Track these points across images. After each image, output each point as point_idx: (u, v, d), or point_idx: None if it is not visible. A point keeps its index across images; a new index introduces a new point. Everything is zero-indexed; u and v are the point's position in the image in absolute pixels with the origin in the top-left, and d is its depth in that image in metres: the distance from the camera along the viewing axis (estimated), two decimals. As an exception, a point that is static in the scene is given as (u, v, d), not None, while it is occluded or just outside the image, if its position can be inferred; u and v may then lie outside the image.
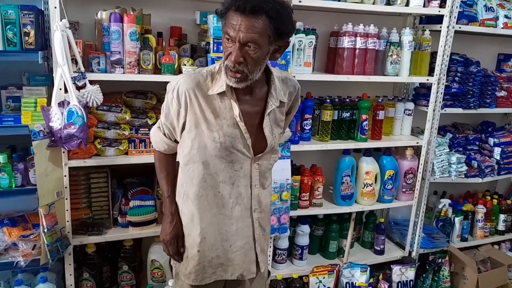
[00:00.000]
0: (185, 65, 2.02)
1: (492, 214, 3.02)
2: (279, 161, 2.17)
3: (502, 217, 3.03)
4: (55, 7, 1.72)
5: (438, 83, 2.51)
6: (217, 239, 1.46)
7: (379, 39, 2.36)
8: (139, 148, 2.03)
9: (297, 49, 2.19)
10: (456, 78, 2.64)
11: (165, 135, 1.49)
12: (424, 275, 2.67)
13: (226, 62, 1.30)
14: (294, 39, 2.16)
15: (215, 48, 2.03)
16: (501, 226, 3.05)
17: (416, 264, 2.64)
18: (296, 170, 2.37)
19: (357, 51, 2.31)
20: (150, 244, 2.22)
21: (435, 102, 2.54)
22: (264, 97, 1.44)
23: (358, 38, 2.29)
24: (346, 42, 2.28)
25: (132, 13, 1.98)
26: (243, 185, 1.45)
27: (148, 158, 2.05)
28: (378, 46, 2.36)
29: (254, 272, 1.54)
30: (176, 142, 1.49)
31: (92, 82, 1.86)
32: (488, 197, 3.07)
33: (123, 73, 1.91)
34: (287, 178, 2.23)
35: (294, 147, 2.29)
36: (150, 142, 2.02)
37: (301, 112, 2.34)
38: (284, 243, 2.44)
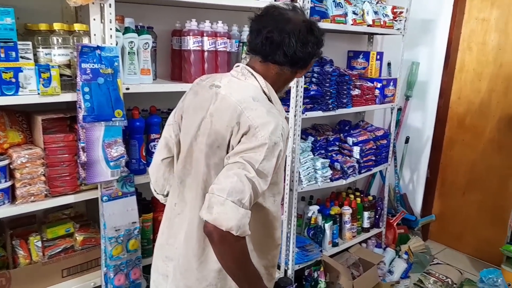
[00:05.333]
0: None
1: (357, 213, 3.00)
2: (120, 202, 1.67)
3: (366, 214, 3.04)
4: None
5: (297, 86, 2.29)
6: None
7: (230, 39, 2.01)
8: None
9: (129, 52, 1.68)
10: (314, 80, 2.47)
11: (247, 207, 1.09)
12: (304, 282, 2.47)
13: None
14: (122, 40, 1.65)
15: (2, 56, 1.40)
16: (366, 224, 3.05)
17: (294, 286, 2.41)
18: (145, 206, 1.87)
19: (205, 53, 1.92)
20: None
21: (295, 107, 2.32)
22: None
23: (206, 38, 1.90)
24: (191, 43, 1.87)
25: None
26: None
27: None
28: (229, 47, 2.00)
29: None
30: None
31: None
32: (352, 196, 3.05)
33: None
34: (133, 222, 1.71)
35: (139, 179, 1.79)
36: None
37: (146, 131, 1.86)
38: (139, 299, 1.93)
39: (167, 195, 1.43)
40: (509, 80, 3.08)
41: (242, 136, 1.13)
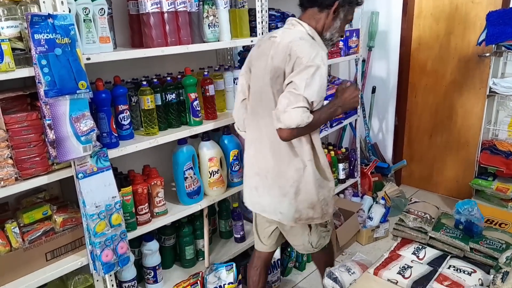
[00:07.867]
0: None
1: (333, 166, 3.05)
2: (96, 177, 1.61)
3: (341, 166, 3.10)
4: None
5: (263, 43, 2.25)
6: None
7: (189, -2, 1.93)
8: None
9: (84, 20, 1.58)
10: (278, 35, 2.43)
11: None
12: (289, 248, 2.52)
13: (339, 38, 1.76)
14: (75, 6, 1.54)
15: None
16: (341, 175, 3.13)
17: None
18: (123, 180, 1.82)
19: (165, 15, 1.83)
20: None
21: (264, 64, 2.29)
22: None
23: (164, -1, 1.81)
24: (149, 6, 1.78)
25: None
26: None
27: None
28: (189, 7, 1.92)
29: None
30: None
31: None
32: (326, 150, 3.09)
33: None
34: (113, 196, 1.66)
35: (113, 152, 1.73)
36: None
37: (113, 103, 1.78)
38: (130, 274, 1.91)
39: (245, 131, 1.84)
40: (465, 21, 3.15)
41: (293, 66, 1.50)
